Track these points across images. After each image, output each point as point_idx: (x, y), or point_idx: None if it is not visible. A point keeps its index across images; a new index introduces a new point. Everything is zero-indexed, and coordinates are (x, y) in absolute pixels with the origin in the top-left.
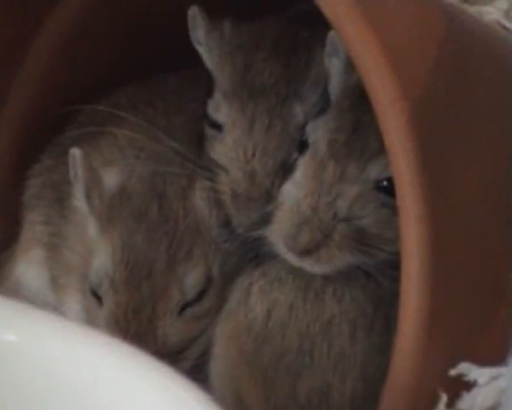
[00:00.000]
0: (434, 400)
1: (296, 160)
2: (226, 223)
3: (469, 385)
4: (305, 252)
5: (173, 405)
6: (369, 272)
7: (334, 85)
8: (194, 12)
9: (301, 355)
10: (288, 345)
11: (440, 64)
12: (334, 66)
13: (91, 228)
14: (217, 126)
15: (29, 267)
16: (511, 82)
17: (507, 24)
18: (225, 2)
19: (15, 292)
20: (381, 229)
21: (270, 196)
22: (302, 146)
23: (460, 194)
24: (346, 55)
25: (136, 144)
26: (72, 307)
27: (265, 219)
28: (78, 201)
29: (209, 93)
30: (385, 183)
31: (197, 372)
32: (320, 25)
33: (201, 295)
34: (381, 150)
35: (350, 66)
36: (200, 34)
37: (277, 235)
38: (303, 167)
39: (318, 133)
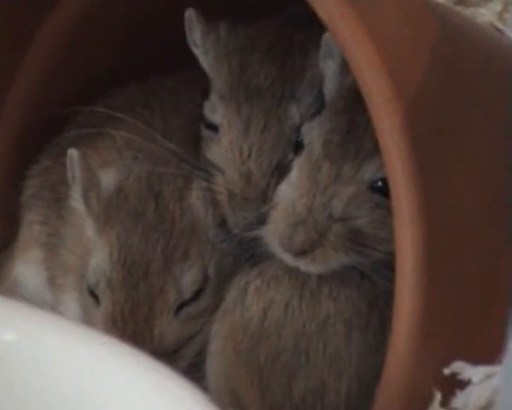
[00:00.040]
0: (429, 398)
1: (291, 160)
2: (222, 223)
3: (463, 384)
4: (301, 252)
5: (170, 404)
6: (363, 271)
7: (329, 87)
8: (190, 15)
9: (297, 355)
10: (284, 344)
11: (434, 65)
12: (329, 67)
13: (89, 228)
14: (213, 128)
15: (27, 267)
16: (504, 83)
17: (500, 26)
18: (221, 4)
19: (13, 292)
20: (375, 229)
21: (265, 197)
22: (297, 147)
23: (454, 194)
24: (341, 57)
25: (134, 145)
26: (70, 306)
27: (261, 220)
28: (76, 201)
29: (205, 95)
30: (379, 183)
31: (194, 371)
32: (315, 27)
33: (198, 294)
34: (375, 151)
35: (345, 67)
36: (197, 36)
37: (273, 235)
38: (298, 168)
39: (313, 134)
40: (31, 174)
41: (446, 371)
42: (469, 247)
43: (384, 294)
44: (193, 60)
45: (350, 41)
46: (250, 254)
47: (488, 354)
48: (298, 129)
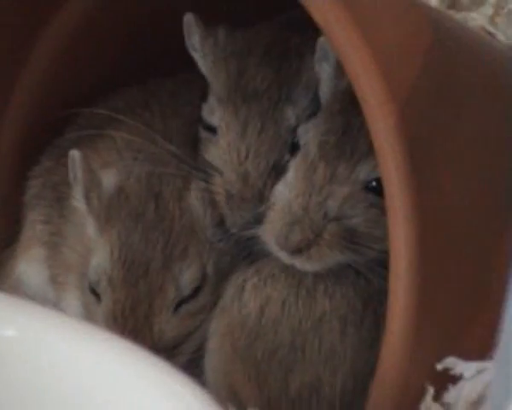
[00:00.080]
0: (422, 393)
1: (288, 161)
2: (220, 223)
3: (456, 379)
4: (297, 250)
5: (170, 398)
6: (358, 269)
7: (325, 90)
8: (189, 20)
9: (293, 351)
10: (281, 341)
11: (427, 68)
12: (324, 71)
13: (90, 228)
14: (211, 129)
15: (30, 265)
16: (496, 86)
17: (491, 30)
18: (220, 8)
19: (16, 289)
20: (370, 228)
21: (262, 197)
22: (294, 148)
23: (447, 195)
24: (336, 61)
25: (134, 146)
26: (72, 303)
27: (258, 219)
28: (78, 201)
29: (204, 97)
30: (374, 183)
31: (193, 367)
32: (311, 31)
33: (196, 292)
34: (369, 152)
35: (340, 70)
36: (196, 41)
37: (270, 234)
38: (294, 169)
39: (309, 136)
40: (33, 175)
41: (439, 366)
42: (462, 246)
43: (378, 291)
44: (192, 62)
45: (345, 45)
46: (247, 252)
47: (479, 350)
48: (294, 131)
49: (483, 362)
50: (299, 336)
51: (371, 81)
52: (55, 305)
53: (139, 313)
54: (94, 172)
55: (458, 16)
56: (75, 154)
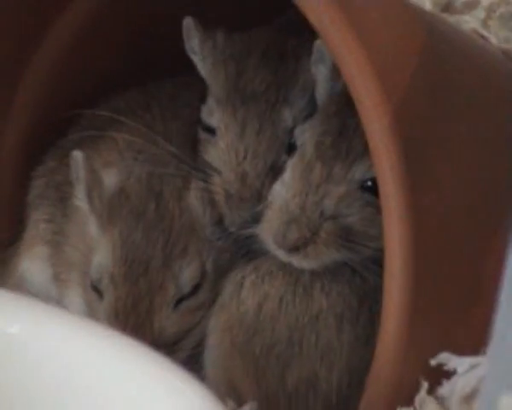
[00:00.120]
0: (416, 388)
1: (285, 162)
2: (219, 222)
3: (449, 374)
4: (294, 248)
5: (170, 393)
6: (354, 267)
7: (321, 91)
8: (188, 23)
9: (290, 346)
10: (278, 337)
11: (422, 70)
12: (320, 73)
13: (92, 226)
14: (210, 131)
15: (33, 263)
16: (488, 87)
17: (484, 33)
18: (218, 12)
19: (20, 287)
20: (365, 227)
21: (260, 196)
22: (291, 148)
23: (441, 194)
24: (332, 63)
25: (135, 147)
26: (74, 300)
27: (256, 218)
28: (80, 201)
29: (203, 99)
30: (369, 183)
31: (192, 362)
32: (307, 34)
33: (196, 289)
34: (365, 152)
35: (335, 72)
36: (195, 44)
37: (267, 232)
38: (291, 169)
39: (306, 136)
40: (36, 175)
41: (433, 361)
42: (456, 245)
43: (373, 289)
44: (191, 65)
45: (340, 47)
46: (246, 250)
47: (472, 346)
48: (291, 131)
49: (476, 357)
50: (296, 332)
51: (366, 83)
52: (58, 302)
53: (140, 309)
54: (96, 172)
55: (451, 19)
56: (77, 154)
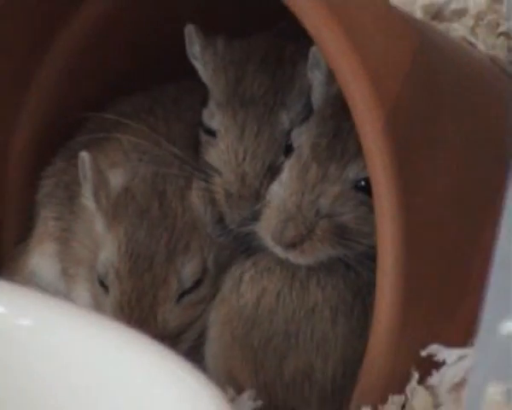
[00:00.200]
0: (407, 378)
1: (282, 162)
2: (220, 220)
3: (439, 365)
4: (291, 245)
5: (173, 382)
6: (348, 263)
7: (317, 95)
8: (190, 30)
9: (287, 338)
10: (276, 329)
11: (413, 76)
12: (316, 77)
13: (99, 224)
14: (211, 133)
15: (42, 259)
16: (475, 92)
17: (472, 40)
18: (218, 20)
19: (29, 281)
20: (359, 224)
21: (259, 196)
22: (288, 150)
23: (431, 194)
24: (327, 68)
25: (140, 149)
26: (81, 294)
27: (255, 216)
28: (87, 199)
29: (204, 103)
30: (363, 183)
31: (194, 353)
32: (304, 40)
33: (198, 284)
34: (358, 153)
35: (331, 78)
36: (196, 50)
37: (266, 230)
38: (288, 169)
39: (302, 138)
40: (46, 175)
41: (423, 353)
42: (445, 243)
43: (367, 283)
44: (193, 70)
45: (336, 54)
46: (245, 247)
47: (461, 338)
48: (288, 134)
49: (464, 349)
50: (293, 325)
51: (360, 88)
52: (66, 296)
53: (144, 303)
54: (102, 172)
55: (441, 27)
56: (85, 155)
